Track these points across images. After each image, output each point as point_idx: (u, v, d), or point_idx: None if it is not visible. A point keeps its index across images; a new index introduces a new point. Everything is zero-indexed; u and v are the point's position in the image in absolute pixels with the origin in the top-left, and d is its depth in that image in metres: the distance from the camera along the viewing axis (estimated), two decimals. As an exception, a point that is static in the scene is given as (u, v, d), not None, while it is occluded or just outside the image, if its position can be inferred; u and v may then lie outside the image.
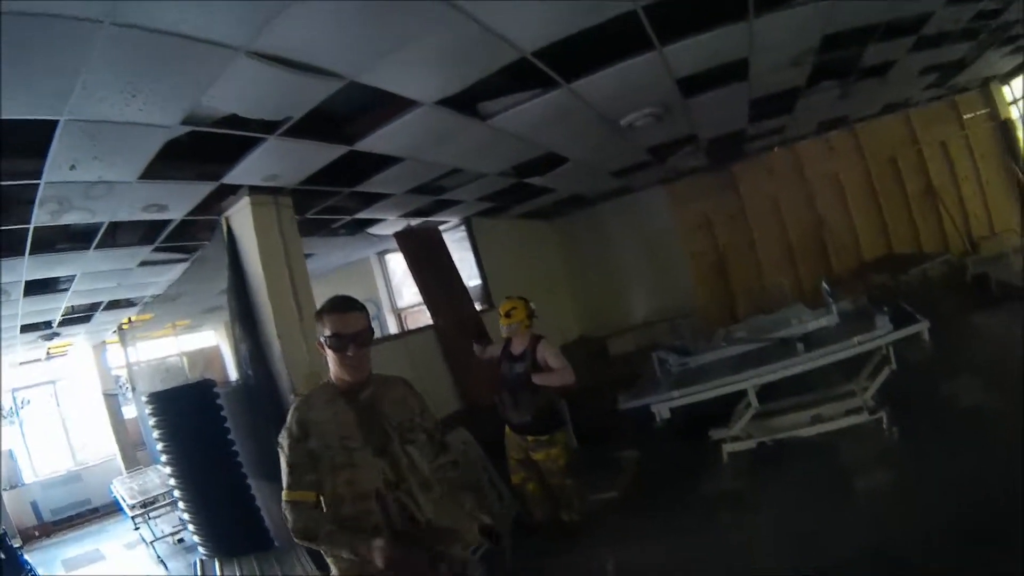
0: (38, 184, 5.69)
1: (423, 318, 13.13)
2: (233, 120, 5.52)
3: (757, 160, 15.41)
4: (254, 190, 7.19)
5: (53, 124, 4.76)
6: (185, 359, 14.97)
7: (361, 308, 3.65)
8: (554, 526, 7.16)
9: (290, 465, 3.38)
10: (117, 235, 7.95)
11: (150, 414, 7.87)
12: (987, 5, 8.23)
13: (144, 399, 8.10)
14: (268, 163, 6.63)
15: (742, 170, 15.58)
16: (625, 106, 8.20)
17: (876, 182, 15.14)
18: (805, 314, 8.99)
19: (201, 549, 7.76)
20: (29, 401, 16.68)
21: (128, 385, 15.87)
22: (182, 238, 8.63)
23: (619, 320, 16.09)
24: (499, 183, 10.70)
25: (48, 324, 12.03)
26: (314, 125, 6.03)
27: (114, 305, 11.94)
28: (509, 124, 7.51)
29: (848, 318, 8.63)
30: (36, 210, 6.25)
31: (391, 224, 11.44)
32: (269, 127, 5.83)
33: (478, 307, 12.31)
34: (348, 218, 10.18)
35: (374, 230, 11.57)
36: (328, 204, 8.90)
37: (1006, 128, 14.70)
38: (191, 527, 8.00)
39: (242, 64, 4.58)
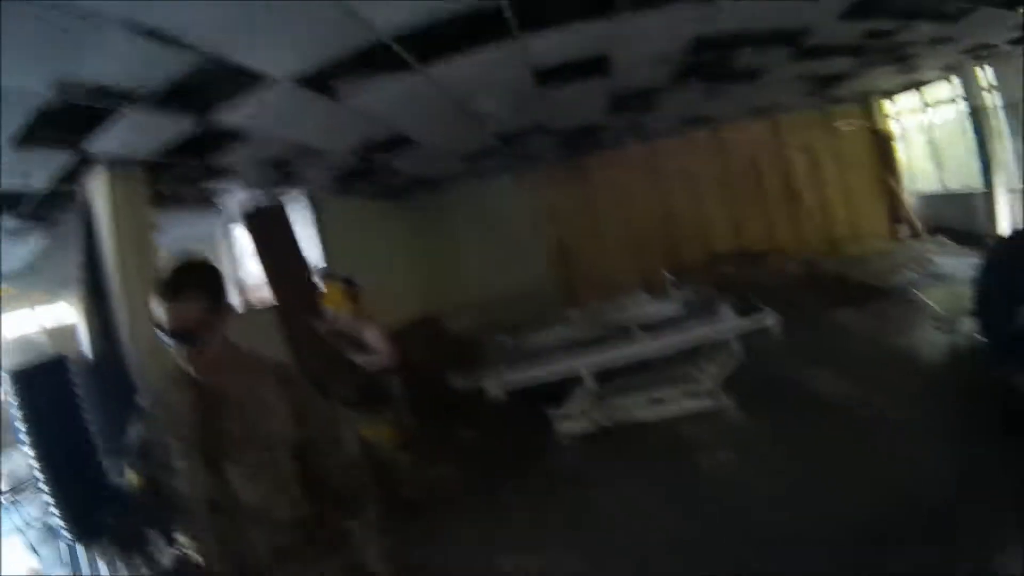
0: None
1: (260, 296, 13.24)
2: (99, 91, 5.46)
3: (611, 153, 15.78)
4: (111, 163, 7.07)
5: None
6: (46, 335, 14.48)
7: (196, 289, 2.82)
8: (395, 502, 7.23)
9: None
10: None
11: (9, 392, 7.68)
12: (880, 25, 8.49)
13: (5, 375, 7.87)
14: (126, 134, 6.52)
15: (594, 162, 15.99)
16: (475, 91, 8.26)
17: (735, 180, 15.74)
18: (645, 302, 9.18)
19: (64, 534, 7.58)
20: None
21: None
22: (45, 208, 8.41)
23: (460, 300, 16.29)
24: (345, 162, 10.72)
25: None
26: (173, 97, 6.00)
27: None
28: (360, 103, 7.54)
29: (693, 308, 8.93)
30: None
31: (237, 196, 11.30)
32: (130, 98, 5.78)
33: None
34: (196, 189, 10.04)
35: (223, 202, 11.47)
36: (179, 176, 8.78)
37: (881, 139, 15.61)
38: (53, 511, 7.75)
39: (113, 34, 4.52)
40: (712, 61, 8.96)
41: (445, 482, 7.86)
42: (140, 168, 7.46)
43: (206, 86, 6.05)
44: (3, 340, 14.24)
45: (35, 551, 9.78)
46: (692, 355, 8.38)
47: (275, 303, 11.06)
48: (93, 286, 7.19)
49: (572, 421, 8.28)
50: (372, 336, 7.19)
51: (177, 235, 12.89)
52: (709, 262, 15.23)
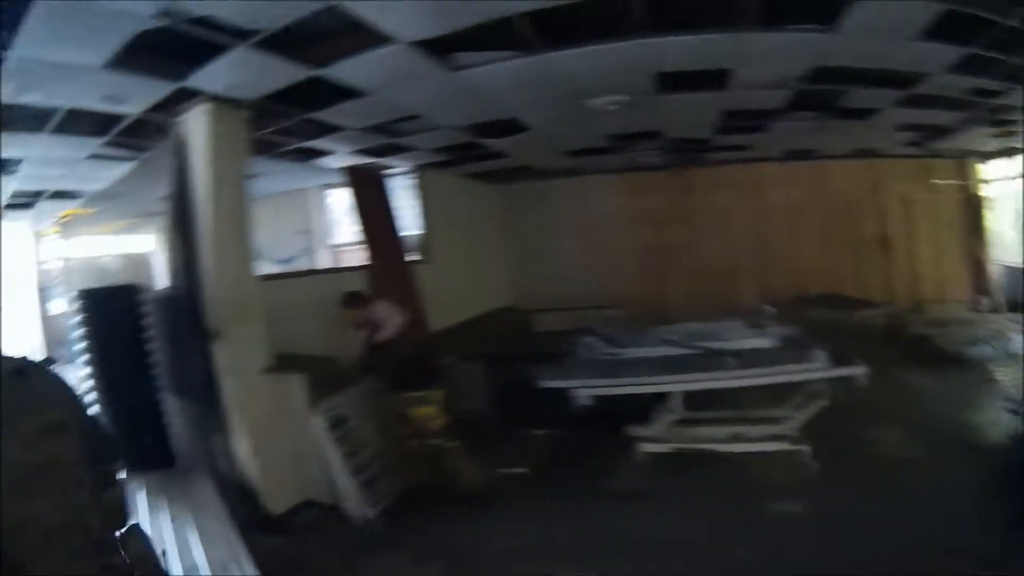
0: (2, 57, 5.37)
1: (354, 258, 13.06)
2: (207, 22, 5.26)
3: (717, 170, 15.23)
4: (213, 98, 6.86)
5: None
6: (118, 261, 14.35)
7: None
8: (444, 492, 7.17)
9: None
10: (72, 123, 7.55)
11: (76, 311, 7.55)
12: (988, 84, 8.18)
13: (72, 295, 7.74)
14: (233, 73, 6.34)
15: (699, 176, 15.42)
16: (597, 88, 8.01)
17: (830, 219, 15.12)
18: (742, 331, 8.87)
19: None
20: None
21: (59, 280, 15.13)
22: (134, 136, 8.26)
23: (549, 297, 15.64)
24: (454, 138, 10.46)
25: None
26: (286, 41, 5.79)
27: (58, 195, 11.53)
28: (479, 80, 7.30)
29: (788, 345, 8.47)
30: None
31: (339, 158, 11.16)
32: (242, 36, 5.57)
33: (410, 257, 12.09)
34: (299, 144, 9.89)
35: (322, 162, 11.32)
36: (282, 126, 8.61)
37: (973, 202, 14.92)
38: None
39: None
40: (826, 93, 8.76)
41: (514, 481, 7.68)
42: (244, 109, 7.24)
43: (322, 36, 5.84)
44: (76, 261, 14.16)
45: None
46: (777, 393, 8.05)
47: (369, 265, 10.79)
48: (179, 220, 7.03)
49: (651, 441, 7.96)
50: (380, 310, 7.77)
51: (270, 186, 13.10)
52: (796, 299, 14.21)
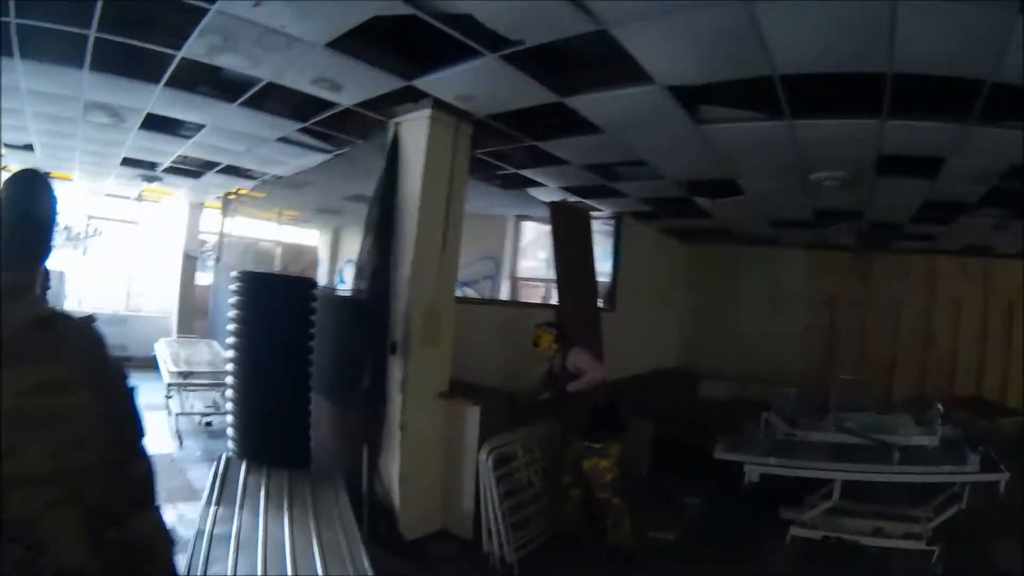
0: (208, 8, 4.95)
1: (534, 294, 13.04)
2: (462, 20, 4.91)
3: (896, 259, 14.76)
4: (440, 105, 6.60)
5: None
6: (279, 249, 14.37)
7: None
8: (600, 544, 6.87)
9: None
10: (270, 99, 7.19)
11: (236, 292, 7.33)
12: None
13: (234, 275, 7.53)
14: (471, 83, 6.06)
15: (878, 262, 14.97)
16: (823, 161, 7.70)
17: (991, 320, 14.46)
18: (912, 427, 8.57)
19: (231, 445, 7.23)
20: (100, 232, 16.09)
21: (213, 253, 15.36)
22: (337, 128, 8.02)
23: (717, 364, 15.33)
24: (668, 191, 10.10)
25: (153, 166, 11.39)
26: (540, 60, 5.47)
27: (232, 171, 11.26)
28: (717, 137, 7.01)
29: (944, 444, 8.19)
30: (193, 38, 5.50)
31: (548, 192, 10.86)
32: (495, 44, 5.23)
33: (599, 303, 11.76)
34: (513, 171, 9.58)
35: (530, 191, 11.03)
36: (504, 151, 8.37)
37: None
38: (230, 419, 7.40)
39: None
40: (1015, 191, 8.29)
41: (659, 546, 7.40)
42: (470, 123, 7.01)
43: (576, 59, 5.53)
44: (234, 239, 14.17)
45: (180, 438, 9.58)
46: (918, 489, 7.90)
47: (559, 303, 10.48)
48: (382, 225, 6.79)
49: (804, 526, 7.75)
50: (579, 358, 6.92)
51: (471, 205, 12.79)
52: (947, 401, 13.59)
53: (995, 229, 10.83)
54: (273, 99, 7.22)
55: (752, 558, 7.31)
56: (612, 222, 12.64)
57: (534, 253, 14.82)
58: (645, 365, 13.22)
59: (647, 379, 12.93)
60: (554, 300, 10.84)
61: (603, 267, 12.32)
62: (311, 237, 18.56)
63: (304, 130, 8.27)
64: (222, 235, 14.50)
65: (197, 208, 15.58)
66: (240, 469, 6.14)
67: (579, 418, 6.86)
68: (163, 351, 11.66)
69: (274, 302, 7.23)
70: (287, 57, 5.85)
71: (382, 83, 6.36)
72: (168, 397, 10.42)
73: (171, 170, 11.64)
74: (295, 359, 7.23)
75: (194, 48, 5.76)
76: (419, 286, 6.60)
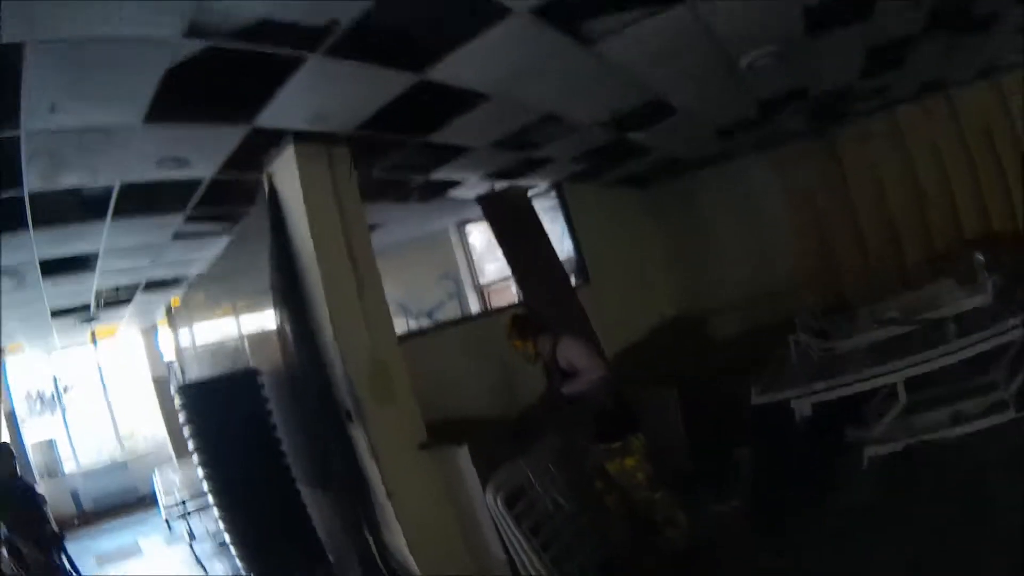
0: (18, 135, 4.23)
1: (509, 295, 11.88)
2: (258, 31, 3.85)
3: (856, 128, 13.62)
4: (300, 137, 5.46)
5: (18, 48, 3.31)
6: (246, 342, 13.33)
7: None
8: (655, 550, 5.69)
9: None
10: (136, 201, 6.27)
11: (180, 407, 6.55)
12: None
13: (174, 392, 6.62)
14: (312, 97, 4.95)
15: (841, 138, 13.82)
16: (748, 40, 6.54)
17: (974, 154, 13.31)
18: (957, 292, 7.58)
19: (239, 563, 6.56)
20: (69, 388, 15.48)
21: (179, 370, 14.32)
22: (218, 203, 6.98)
23: (718, 298, 14.11)
24: (595, 138, 8.81)
25: (86, 308, 10.59)
26: (370, 40, 4.33)
27: (156, 285, 10.46)
28: (618, 52, 5.75)
29: (1004, 299, 7.11)
30: (27, 172, 4.81)
31: (472, 187, 9.56)
32: (310, 41, 4.14)
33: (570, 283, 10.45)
34: (422, 178, 8.38)
35: (453, 194, 9.71)
36: (396, 161, 7.17)
37: None
38: (228, 537, 6.70)
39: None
40: (955, 6, 7.36)
41: (726, 519, 6.32)
42: (341, 145, 5.86)
43: (417, 24, 4.39)
44: (198, 348, 13.30)
45: (202, 565, 8.99)
46: (990, 356, 6.66)
47: (524, 303, 9.33)
48: (285, 288, 5.66)
49: (878, 442, 6.59)
50: (572, 352, 5.58)
51: (406, 233, 11.87)
52: (961, 248, 12.59)
53: (947, 54, 9.77)
54: (138, 200, 6.28)
55: (835, 501, 6.12)
56: (553, 194, 11.36)
57: (492, 254, 13.46)
58: (644, 327, 12.01)
59: (651, 340, 11.77)
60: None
61: (562, 244, 11.17)
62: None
63: (192, 219, 7.33)
64: (178, 351, 13.49)
65: (150, 331, 14.95)
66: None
67: (587, 421, 5.70)
68: (159, 481, 10.99)
69: (214, 407, 6.45)
70: (117, 150, 4.99)
71: (223, 139, 5.36)
72: (169, 527, 10.02)
73: (106, 305, 10.85)
74: (265, 457, 6.42)
75: (33, 182, 5.08)
76: (347, 343, 5.43)
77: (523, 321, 5.88)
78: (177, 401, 6.69)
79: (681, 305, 14.22)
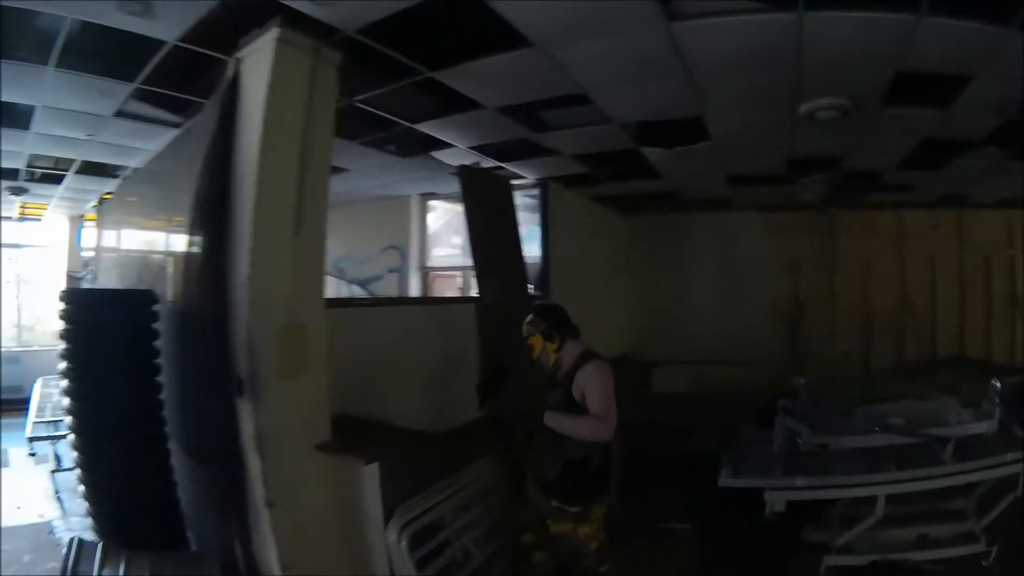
0: None
1: (450, 287, 10.76)
2: None
3: (862, 217, 12.96)
4: (288, 20, 4.04)
5: None
6: (171, 260, 11.83)
7: None
8: None
9: None
10: (85, 53, 5.17)
11: (61, 317, 5.04)
12: None
13: (59, 296, 5.24)
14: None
15: (843, 219, 13.10)
16: (826, 84, 5.75)
17: (967, 278, 12.87)
18: (963, 413, 6.55)
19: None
20: None
21: (88, 275, 12.33)
22: (174, 82, 5.71)
23: (669, 349, 13.04)
24: (610, 141, 7.64)
25: (14, 173, 9.30)
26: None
27: (90, 169, 9.13)
28: (693, 39, 4.62)
29: (1002, 427, 6.40)
30: None
31: (458, 156, 8.21)
32: None
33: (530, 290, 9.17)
34: (407, 125, 7.02)
35: (435, 156, 8.41)
36: (389, 93, 5.83)
37: None
38: (81, 488, 5.32)
39: None
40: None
41: None
42: (336, 47, 4.44)
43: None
44: (120, 253, 11.73)
45: (60, 500, 7.46)
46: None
47: (479, 294, 7.78)
48: (214, 200, 4.24)
49: (840, 552, 5.76)
50: (593, 386, 4.05)
51: (362, 186, 10.52)
52: (929, 364, 12.50)
53: (990, 172, 9.18)
54: (88, 51, 5.19)
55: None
56: (537, 191, 10.10)
57: (447, 238, 12.17)
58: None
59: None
60: (474, 291, 8.03)
61: (530, 246, 9.72)
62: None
63: (142, 98, 6.12)
64: (97, 251, 11.48)
65: (77, 221, 13.39)
66: (95, 556, 4.07)
67: (547, 464, 4.20)
68: (37, 393, 9.67)
69: (99, 327, 4.92)
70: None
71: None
72: (32, 454, 8.49)
73: (34, 180, 9.71)
74: (138, 400, 4.92)
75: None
76: (262, 289, 3.97)
77: (561, 316, 4.44)
78: (59, 306, 5.20)
79: (632, 345, 13.13)
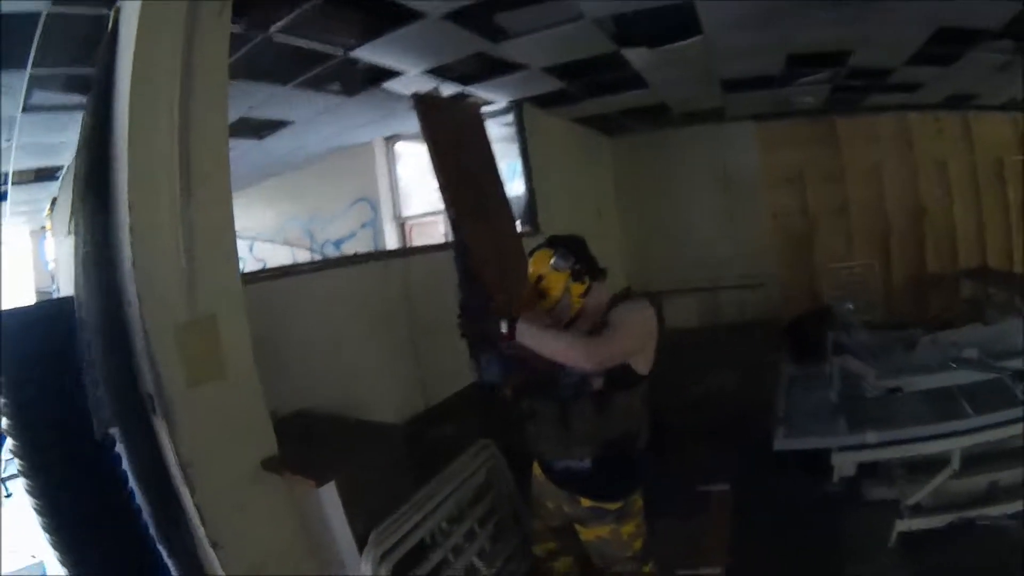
0: None
1: (434, 233, 9.88)
2: None
3: (864, 121, 12.09)
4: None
5: None
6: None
7: None
8: None
9: None
10: None
11: None
12: None
13: None
14: None
15: (846, 127, 12.18)
16: None
17: (981, 183, 12.13)
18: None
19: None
20: None
21: (58, 286, 11.32)
22: (63, 57, 4.80)
23: (678, 275, 12.34)
24: (585, 44, 6.66)
25: None
26: None
27: (27, 177, 8.26)
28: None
29: None
30: None
31: (407, 82, 7.21)
32: None
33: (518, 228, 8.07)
34: (342, 54, 6.00)
35: (388, 87, 7.37)
36: (309, 19, 4.86)
37: None
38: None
39: None
40: None
41: None
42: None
43: None
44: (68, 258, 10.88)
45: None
46: None
47: (457, 236, 6.74)
48: (88, 180, 3.26)
49: (917, 512, 4.63)
50: (621, 324, 2.90)
51: (320, 140, 9.67)
52: (956, 276, 11.73)
53: (1001, 69, 8.68)
54: None
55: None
56: (511, 117, 9.10)
57: (422, 182, 11.03)
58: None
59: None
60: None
61: (510, 181, 8.76)
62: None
63: (43, 86, 5.32)
64: (57, 261, 10.84)
65: (38, 234, 12.47)
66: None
67: (572, 448, 2.99)
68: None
69: (20, 348, 3.91)
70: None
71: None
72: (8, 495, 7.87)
73: None
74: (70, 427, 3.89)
75: None
76: (149, 276, 2.99)
77: (586, 253, 3.41)
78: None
79: (634, 276, 12.04)
